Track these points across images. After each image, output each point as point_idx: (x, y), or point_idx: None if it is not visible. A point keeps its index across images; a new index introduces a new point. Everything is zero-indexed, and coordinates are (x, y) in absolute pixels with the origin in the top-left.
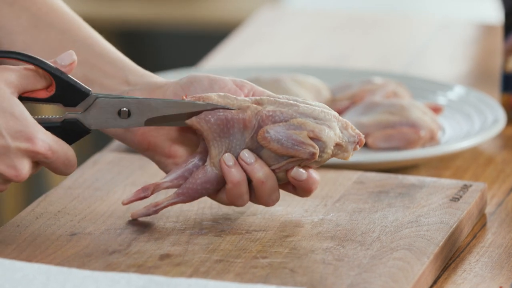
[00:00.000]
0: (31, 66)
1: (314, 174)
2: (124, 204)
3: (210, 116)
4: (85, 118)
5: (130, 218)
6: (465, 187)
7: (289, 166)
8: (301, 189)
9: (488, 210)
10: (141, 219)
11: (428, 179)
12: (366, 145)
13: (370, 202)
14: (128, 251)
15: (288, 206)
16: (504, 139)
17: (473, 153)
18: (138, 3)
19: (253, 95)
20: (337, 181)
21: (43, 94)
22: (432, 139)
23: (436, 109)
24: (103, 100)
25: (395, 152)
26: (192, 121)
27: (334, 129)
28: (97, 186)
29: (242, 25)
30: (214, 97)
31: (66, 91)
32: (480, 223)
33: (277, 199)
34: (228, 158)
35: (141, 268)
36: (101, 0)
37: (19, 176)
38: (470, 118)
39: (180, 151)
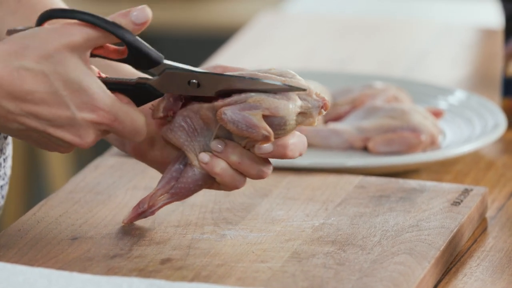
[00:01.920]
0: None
1: (286, 139)
2: (125, 223)
3: (170, 127)
4: (157, 83)
5: (123, 224)
6: (466, 192)
7: (251, 144)
8: (279, 157)
9: (489, 214)
10: (142, 223)
11: (429, 184)
12: (367, 150)
13: (371, 207)
14: (130, 255)
15: (289, 210)
16: (505, 143)
17: (474, 157)
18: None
19: None
20: (338, 186)
21: (115, 56)
22: (433, 144)
23: (437, 114)
24: (173, 71)
25: (396, 157)
26: (160, 135)
27: (294, 101)
28: (99, 190)
29: (243, 29)
30: None
31: (137, 56)
32: (481, 227)
33: (267, 170)
34: (203, 157)
35: (143, 272)
36: (103, 4)
37: (84, 144)
38: (471, 123)
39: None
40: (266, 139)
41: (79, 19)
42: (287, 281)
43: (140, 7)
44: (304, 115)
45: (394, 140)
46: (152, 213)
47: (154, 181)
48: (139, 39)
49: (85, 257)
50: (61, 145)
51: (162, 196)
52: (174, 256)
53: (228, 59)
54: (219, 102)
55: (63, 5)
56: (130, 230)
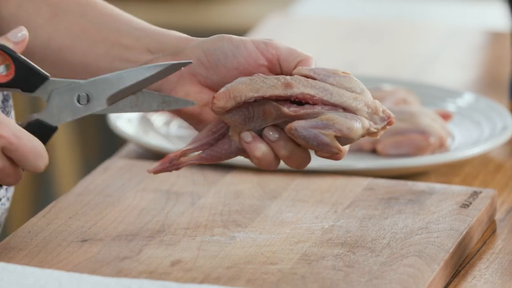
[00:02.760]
0: None
1: (345, 147)
2: (149, 171)
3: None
4: (47, 116)
5: (148, 172)
6: (475, 194)
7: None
8: (332, 159)
9: (497, 216)
10: (152, 225)
11: (438, 186)
12: (375, 152)
13: (380, 209)
14: (139, 257)
15: (298, 212)
16: None
17: (483, 159)
18: (147, 10)
19: (278, 60)
20: (347, 188)
21: (2, 79)
22: (441, 146)
23: (446, 116)
24: (59, 90)
25: (405, 159)
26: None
27: (363, 121)
28: (108, 193)
29: (251, 32)
30: (242, 87)
31: (25, 73)
32: (490, 229)
33: (307, 164)
34: (246, 135)
35: (153, 274)
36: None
37: None
38: (479, 125)
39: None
40: (336, 156)
41: None
42: (297, 283)
43: (17, 28)
44: (368, 132)
45: (403, 142)
46: (178, 168)
47: (163, 183)
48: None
49: (95, 259)
50: None
51: (192, 156)
52: (184, 258)
53: None
54: (289, 111)
55: None
56: (140, 232)
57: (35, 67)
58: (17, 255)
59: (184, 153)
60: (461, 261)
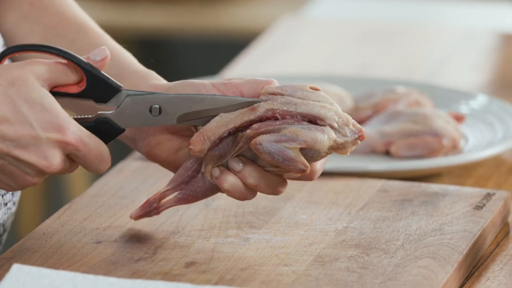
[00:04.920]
0: (62, 60)
1: (315, 165)
2: (133, 218)
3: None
4: (117, 117)
5: (130, 219)
6: (488, 196)
7: (282, 172)
8: (303, 180)
9: (511, 218)
10: (166, 227)
11: (451, 188)
12: (389, 154)
13: (394, 210)
14: (154, 258)
15: (312, 214)
16: None
17: (496, 161)
18: (157, 11)
19: (242, 96)
20: (361, 189)
21: (74, 89)
22: (454, 148)
23: (459, 118)
24: (134, 97)
25: (418, 161)
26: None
27: (328, 133)
28: (122, 194)
29: (264, 34)
30: (213, 126)
31: (97, 86)
32: (503, 231)
33: (283, 188)
34: (215, 171)
35: (167, 275)
36: (120, 9)
37: (50, 167)
38: (493, 127)
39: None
40: (301, 172)
41: (36, 50)
42: (311, 284)
43: (98, 48)
44: (337, 145)
45: (416, 144)
46: (158, 213)
47: None
48: (98, 70)
49: (110, 261)
50: (28, 173)
51: (169, 198)
52: (198, 260)
53: (248, 65)
54: (250, 131)
55: (72, 7)
56: (154, 234)
57: (108, 79)
58: (32, 256)
59: (163, 195)
60: (475, 263)
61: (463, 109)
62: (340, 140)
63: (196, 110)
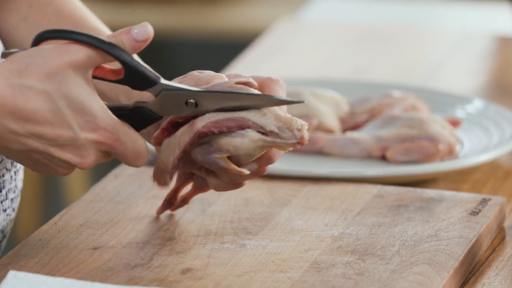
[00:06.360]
0: None
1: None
2: (157, 214)
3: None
4: (154, 106)
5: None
6: (484, 201)
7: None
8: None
9: (507, 223)
10: (162, 233)
11: (447, 193)
12: (385, 159)
13: (390, 216)
14: (150, 265)
15: (308, 220)
16: None
17: (492, 166)
18: (156, 12)
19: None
20: (356, 195)
21: (111, 76)
22: (450, 153)
23: (455, 123)
24: (170, 92)
25: (414, 166)
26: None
27: (250, 136)
28: (119, 200)
29: (260, 37)
30: (163, 157)
31: (135, 76)
32: (499, 236)
33: (243, 182)
34: (200, 173)
35: (163, 282)
36: (120, 9)
37: (83, 164)
38: (489, 132)
39: None
40: (240, 177)
41: (74, 40)
42: None
43: (141, 24)
44: (271, 145)
45: (412, 149)
46: (186, 203)
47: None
48: (136, 58)
49: (106, 267)
50: (61, 166)
51: (188, 191)
52: (194, 266)
53: (245, 67)
54: (187, 148)
55: (70, 4)
56: (151, 240)
57: (145, 70)
58: (28, 263)
59: (176, 192)
60: (471, 269)
61: (459, 113)
62: (277, 140)
63: (231, 106)
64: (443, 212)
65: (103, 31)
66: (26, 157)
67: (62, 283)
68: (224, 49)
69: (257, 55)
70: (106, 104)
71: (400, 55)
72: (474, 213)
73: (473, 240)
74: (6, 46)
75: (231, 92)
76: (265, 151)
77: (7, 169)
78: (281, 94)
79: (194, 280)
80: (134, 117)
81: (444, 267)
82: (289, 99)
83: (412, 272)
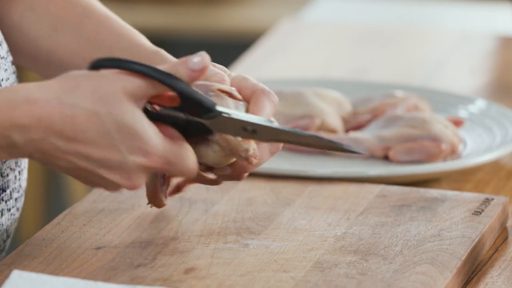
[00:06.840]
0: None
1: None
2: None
3: None
4: (211, 125)
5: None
6: (487, 201)
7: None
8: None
9: (509, 223)
10: (165, 233)
11: (450, 193)
12: (387, 159)
13: (393, 216)
14: (153, 264)
15: (311, 219)
16: None
17: (494, 166)
18: (159, 11)
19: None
20: (359, 195)
21: (167, 103)
22: (453, 153)
23: (457, 123)
24: (227, 118)
25: (416, 166)
26: None
27: (213, 146)
28: (122, 200)
29: (262, 37)
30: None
31: (190, 104)
32: (502, 236)
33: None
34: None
35: (167, 282)
36: (120, 9)
37: (133, 187)
38: (491, 132)
39: None
40: (215, 183)
41: (130, 69)
42: None
43: (198, 53)
44: (233, 152)
45: (415, 149)
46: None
47: None
48: (191, 87)
49: (110, 267)
50: (110, 185)
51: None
52: (197, 266)
53: (247, 67)
54: None
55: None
56: (154, 240)
57: (201, 98)
58: (31, 262)
59: (181, 186)
60: (473, 269)
61: (462, 113)
62: (227, 152)
63: (291, 141)
64: (446, 212)
65: (114, 18)
66: (75, 174)
67: (66, 283)
68: (226, 49)
69: (259, 55)
70: (161, 111)
71: (401, 55)
72: (477, 213)
73: (476, 240)
74: (10, 38)
75: (294, 132)
76: (234, 159)
77: (11, 169)
78: (267, 109)
79: (197, 280)
80: (186, 126)
81: (447, 267)
82: (350, 148)
83: (415, 271)
